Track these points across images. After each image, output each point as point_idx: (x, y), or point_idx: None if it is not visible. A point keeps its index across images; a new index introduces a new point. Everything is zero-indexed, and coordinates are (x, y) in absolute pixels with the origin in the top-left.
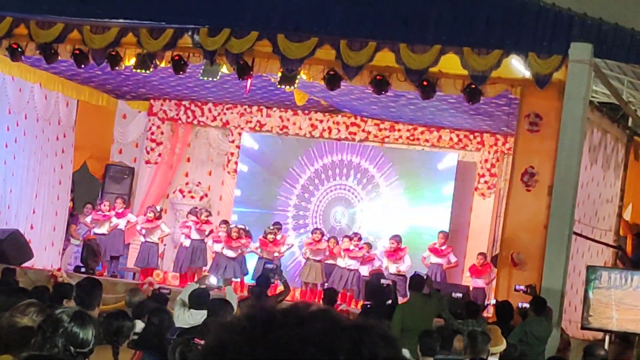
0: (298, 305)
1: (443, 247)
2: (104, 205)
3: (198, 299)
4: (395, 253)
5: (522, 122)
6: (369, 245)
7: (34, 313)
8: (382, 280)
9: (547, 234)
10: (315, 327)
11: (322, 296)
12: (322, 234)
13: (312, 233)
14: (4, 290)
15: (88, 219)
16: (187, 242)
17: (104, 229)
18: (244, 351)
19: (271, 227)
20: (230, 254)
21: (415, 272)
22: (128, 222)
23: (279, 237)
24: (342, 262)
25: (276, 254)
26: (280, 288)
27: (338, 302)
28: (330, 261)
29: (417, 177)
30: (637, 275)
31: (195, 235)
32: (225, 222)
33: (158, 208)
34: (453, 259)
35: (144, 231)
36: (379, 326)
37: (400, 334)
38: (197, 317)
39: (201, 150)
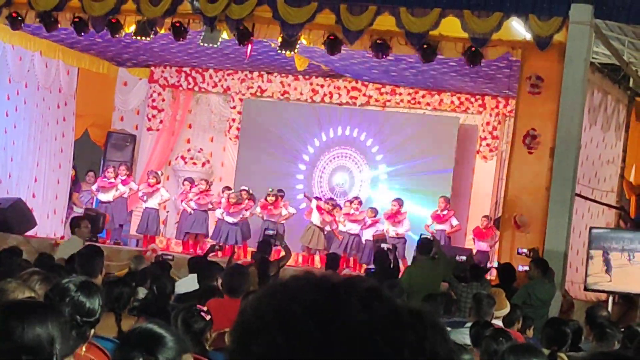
0: (352, 280)
1: (444, 213)
2: (109, 172)
3: (196, 263)
4: (394, 216)
5: (523, 84)
6: (374, 211)
7: (37, 282)
8: (382, 245)
9: (550, 196)
10: (380, 313)
11: (325, 262)
12: (334, 207)
13: (323, 201)
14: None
15: (94, 187)
16: (188, 209)
17: (109, 196)
18: (310, 329)
19: (271, 190)
20: (230, 219)
21: (423, 235)
22: (130, 189)
23: (281, 203)
24: (343, 227)
25: (278, 218)
26: (282, 253)
27: (341, 268)
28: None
29: (418, 140)
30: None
31: (194, 206)
32: (228, 187)
33: (159, 173)
34: (455, 222)
35: (145, 197)
36: (434, 316)
37: (407, 296)
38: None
39: (202, 117)
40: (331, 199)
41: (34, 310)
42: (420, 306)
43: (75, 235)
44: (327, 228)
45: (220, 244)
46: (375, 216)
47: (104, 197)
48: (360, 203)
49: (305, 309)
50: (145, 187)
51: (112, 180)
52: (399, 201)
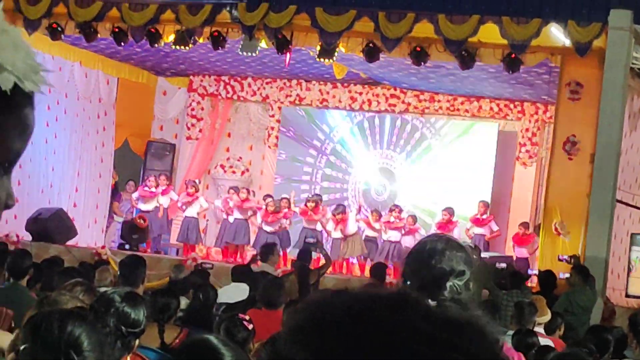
0: (388, 291)
1: (484, 217)
2: (150, 181)
3: (240, 273)
4: (446, 225)
5: (562, 90)
6: (413, 218)
7: (81, 292)
8: None
9: (590, 202)
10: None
11: (371, 271)
12: (380, 216)
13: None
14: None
15: (134, 195)
16: (230, 218)
17: (149, 206)
18: (349, 340)
19: (311, 196)
20: (269, 228)
21: (464, 242)
22: (170, 199)
23: (320, 208)
24: (385, 235)
25: (317, 226)
26: (322, 262)
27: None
28: (370, 234)
29: (457, 148)
30: None
31: (237, 215)
32: (269, 195)
33: (197, 182)
34: (495, 227)
35: (184, 206)
36: (470, 319)
37: None
38: (241, 291)
39: (241, 125)
40: (375, 210)
41: (84, 319)
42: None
43: (268, 263)
44: (370, 233)
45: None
46: (414, 223)
47: (144, 206)
48: (400, 211)
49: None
50: (184, 196)
51: (153, 189)
52: (450, 210)
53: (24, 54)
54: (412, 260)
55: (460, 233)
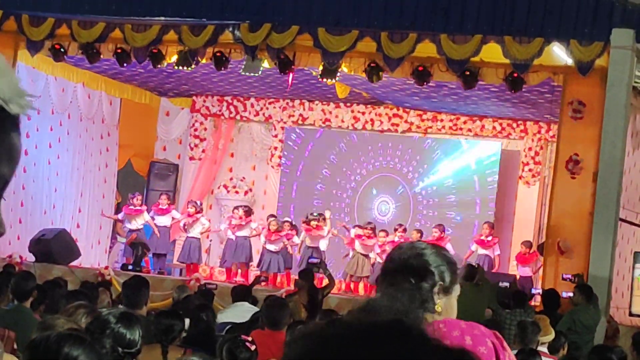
0: (384, 321)
1: (489, 238)
2: (136, 200)
3: (240, 293)
4: (436, 242)
5: (565, 109)
6: (419, 232)
7: (83, 315)
8: None
9: (593, 221)
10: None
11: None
12: (374, 230)
13: (361, 228)
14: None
15: (120, 215)
16: (232, 236)
17: (136, 224)
18: None
19: (314, 214)
20: (272, 247)
21: (468, 262)
22: (173, 218)
23: (322, 224)
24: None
25: (321, 240)
26: (326, 281)
27: None
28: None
29: (460, 166)
30: None
31: (239, 233)
32: (272, 215)
33: (199, 202)
34: (497, 251)
35: (186, 227)
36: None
37: None
38: (244, 311)
39: (244, 145)
40: (369, 223)
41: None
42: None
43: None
44: (372, 255)
45: (266, 275)
46: (420, 239)
47: (130, 225)
48: (404, 230)
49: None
50: (184, 216)
51: (139, 207)
52: (440, 227)
53: (8, 79)
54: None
55: (452, 249)
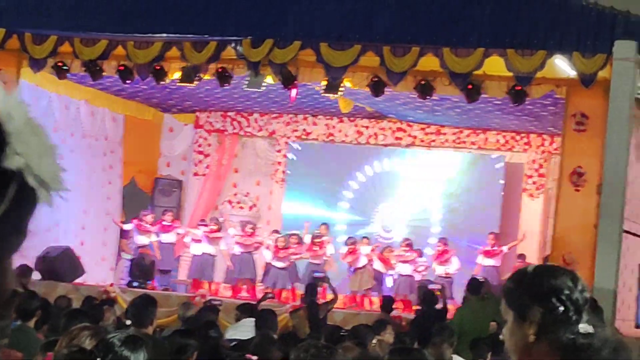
0: None
1: (495, 248)
2: (149, 217)
3: (246, 310)
4: (441, 255)
5: (568, 121)
6: (420, 252)
7: (88, 337)
8: (430, 286)
9: (598, 233)
10: None
11: (381, 304)
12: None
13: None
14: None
15: (128, 226)
16: (237, 252)
17: (144, 241)
18: None
19: (318, 231)
20: (279, 264)
21: (473, 275)
22: (178, 234)
23: (325, 238)
24: (395, 269)
25: (324, 258)
26: (330, 296)
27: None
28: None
29: (464, 180)
30: None
31: (242, 249)
32: (276, 231)
33: (220, 219)
34: (497, 262)
35: (195, 243)
36: None
37: (458, 338)
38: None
39: (248, 161)
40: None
41: None
42: None
43: None
44: (378, 268)
45: (272, 292)
46: (421, 256)
47: (139, 241)
48: (408, 245)
49: None
50: (207, 232)
51: (148, 226)
52: (443, 240)
53: (50, 160)
54: None
55: (459, 263)
